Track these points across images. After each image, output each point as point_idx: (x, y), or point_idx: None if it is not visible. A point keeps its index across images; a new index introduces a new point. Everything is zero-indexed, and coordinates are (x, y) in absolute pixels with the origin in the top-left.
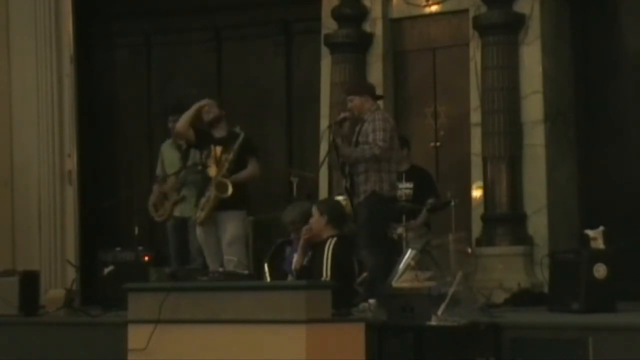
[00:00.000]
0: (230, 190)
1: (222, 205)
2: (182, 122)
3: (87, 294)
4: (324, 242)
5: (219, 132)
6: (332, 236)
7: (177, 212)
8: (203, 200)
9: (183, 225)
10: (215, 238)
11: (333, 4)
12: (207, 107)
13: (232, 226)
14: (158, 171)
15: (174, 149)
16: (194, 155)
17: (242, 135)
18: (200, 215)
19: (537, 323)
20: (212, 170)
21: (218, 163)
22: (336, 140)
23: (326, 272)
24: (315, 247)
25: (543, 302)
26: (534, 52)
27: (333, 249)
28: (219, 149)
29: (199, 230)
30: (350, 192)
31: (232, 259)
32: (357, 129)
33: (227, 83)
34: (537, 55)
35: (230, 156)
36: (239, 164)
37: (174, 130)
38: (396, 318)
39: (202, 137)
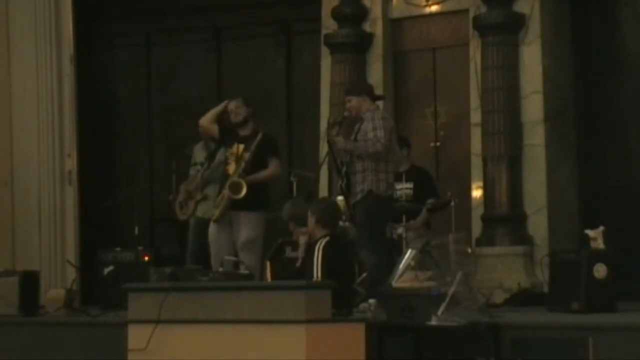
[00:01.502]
0: (244, 191)
1: (239, 205)
2: (207, 118)
3: (87, 294)
4: (315, 243)
5: (244, 131)
6: (324, 236)
7: (199, 212)
8: (219, 198)
9: (203, 225)
10: (227, 237)
11: (333, 4)
12: (234, 108)
13: (248, 228)
14: (190, 172)
15: (204, 151)
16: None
17: (260, 135)
18: (215, 212)
19: (537, 323)
20: (231, 168)
21: (237, 161)
22: (334, 138)
23: (316, 272)
24: (309, 247)
25: (543, 302)
26: (534, 52)
27: (323, 249)
28: (241, 147)
29: (212, 228)
30: (346, 192)
31: (232, 259)
32: (357, 127)
33: (227, 83)
34: (537, 55)
35: (248, 156)
36: (259, 164)
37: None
38: (396, 318)
39: (226, 133)
